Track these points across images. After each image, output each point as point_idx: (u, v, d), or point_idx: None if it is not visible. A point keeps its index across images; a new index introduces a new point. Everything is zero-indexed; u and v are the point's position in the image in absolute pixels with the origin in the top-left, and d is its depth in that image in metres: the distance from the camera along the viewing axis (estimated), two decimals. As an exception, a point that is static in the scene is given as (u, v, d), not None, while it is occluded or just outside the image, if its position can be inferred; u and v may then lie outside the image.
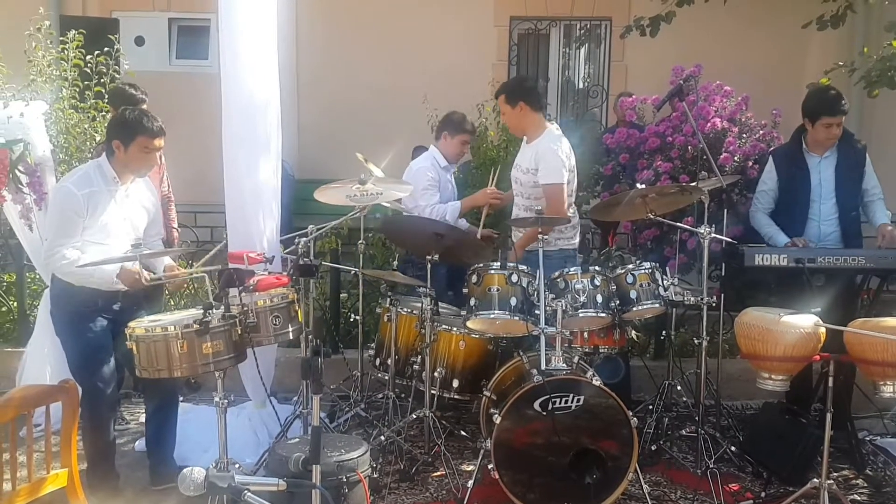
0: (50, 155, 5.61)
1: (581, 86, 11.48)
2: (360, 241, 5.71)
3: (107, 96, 5.99)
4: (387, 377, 5.29)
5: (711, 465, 4.79)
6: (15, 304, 6.67)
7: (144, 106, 5.74)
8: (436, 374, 5.03)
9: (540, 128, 5.40)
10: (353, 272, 5.83)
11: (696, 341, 5.07)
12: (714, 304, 5.02)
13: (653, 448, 5.16)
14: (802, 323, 4.27)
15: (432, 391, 4.99)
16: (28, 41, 6.17)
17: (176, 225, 5.92)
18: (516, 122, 5.49)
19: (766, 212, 5.59)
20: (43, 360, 5.52)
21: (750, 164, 6.30)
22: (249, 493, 2.28)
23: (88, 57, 6.27)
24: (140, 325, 3.79)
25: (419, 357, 5.08)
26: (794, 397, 5.16)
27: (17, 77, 6.05)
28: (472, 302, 4.73)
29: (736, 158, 6.25)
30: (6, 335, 6.65)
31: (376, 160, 6.62)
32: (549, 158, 5.26)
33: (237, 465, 3.90)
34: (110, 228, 4.39)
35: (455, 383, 5.11)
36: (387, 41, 10.64)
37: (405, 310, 5.30)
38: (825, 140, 5.36)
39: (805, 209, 5.41)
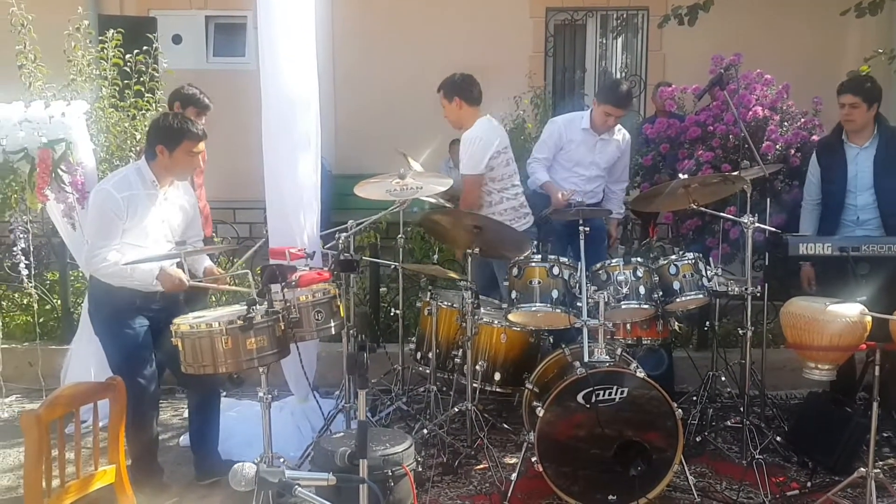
0: (92, 154, 5.67)
1: (618, 76, 11.39)
2: (400, 236, 5.71)
3: (180, 98, 5.94)
4: (428, 371, 5.29)
5: (757, 456, 4.75)
6: (59, 302, 6.75)
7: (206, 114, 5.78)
8: (477, 367, 5.02)
9: (473, 120, 5.56)
10: (392, 266, 5.83)
11: (740, 331, 5.02)
12: (758, 294, 4.97)
13: (697, 439, 5.11)
14: (848, 312, 4.24)
15: (474, 384, 4.98)
16: (67, 41, 6.22)
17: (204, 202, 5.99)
18: (455, 117, 5.67)
19: (813, 205, 5.55)
20: (87, 357, 5.56)
21: (792, 152, 6.21)
22: (300, 488, 2.29)
23: (127, 56, 6.33)
24: (185, 322, 3.84)
25: (460, 350, 5.07)
26: (839, 386, 5.09)
27: (57, 77, 6.10)
28: (514, 295, 4.72)
29: (778, 147, 6.17)
30: (50, 333, 6.73)
31: (414, 155, 6.62)
32: (465, 149, 5.51)
33: (282, 460, 3.94)
34: (149, 231, 4.40)
35: (497, 376, 5.11)
36: (423, 35, 10.63)
37: (446, 303, 5.29)
38: (843, 120, 5.34)
39: (841, 199, 5.35)
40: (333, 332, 4.43)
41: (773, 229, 5.18)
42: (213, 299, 6.13)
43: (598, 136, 5.95)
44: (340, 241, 4.87)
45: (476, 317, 4.97)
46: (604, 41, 11.32)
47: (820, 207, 5.53)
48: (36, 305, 6.41)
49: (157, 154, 4.39)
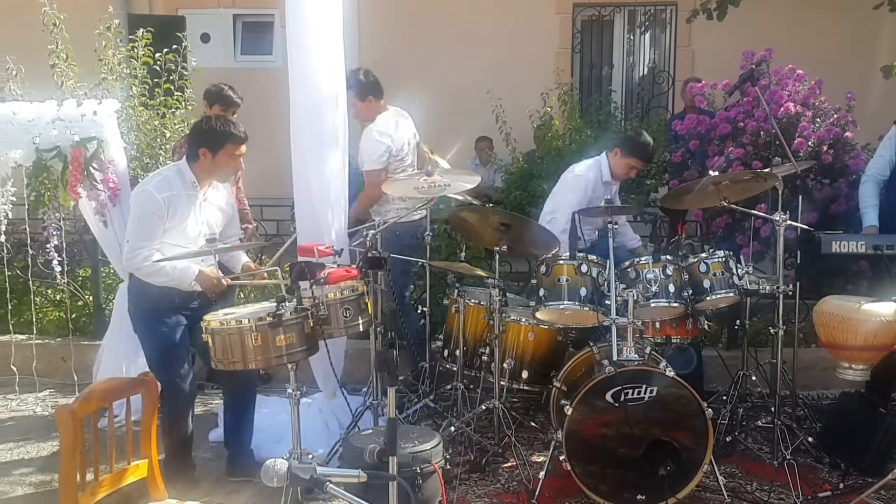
0: (123, 152, 5.71)
1: (646, 72, 11.32)
2: (427, 233, 5.71)
3: (205, 94, 5.96)
4: (455, 368, 5.28)
5: (788, 457, 4.70)
6: (91, 298, 6.82)
7: (236, 111, 5.79)
8: (505, 365, 5.01)
9: (377, 113, 5.84)
10: (420, 264, 5.83)
11: (771, 330, 4.97)
12: (790, 293, 4.91)
13: (727, 439, 5.06)
14: (883, 311, 4.20)
15: (501, 382, 4.97)
16: (98, 40, 6.28)
17: (248, 208, 6.02)
18: (367, 114, 5.89)
19: (878, 180, 5.43)
20: (119, 353, 5.63)
21: (824, 148, 6.15)
22: (331, 485, 2.29)
23: (157, 55, 6.38)
24: (215, 319, 3.87)
25: (488, 348, 5.06)
26: (875, 385, 5.02)
27: (88, 76, 6.16)
28: (542, 292, 4.71)
29: (810, 143, 6.11)
30: (83, 329, 6.80)
31: (441, 152, 6.60)
32: (365, 145, 5.75)
33: (311, 456, 3.95)
34: (188, 232, 4.43)
35: (524, 374, 5.10)
36: (449, 32, 10.60)
37: (473, 301, 5.28)
38: None
39: None
40: (361, 329, 4.43)
41: (806, 227, 5.12)
42: (242, 296, 6.16)
43: (611, 185, 5.81)
44: (368, 239, 4.88)
45: (503, 314, 4.96)
46: (631, 37, 11.24)
47: (882, 183, 5.42)
48: (68, 302, 6.49)
49: (199, 156, 4.40)
